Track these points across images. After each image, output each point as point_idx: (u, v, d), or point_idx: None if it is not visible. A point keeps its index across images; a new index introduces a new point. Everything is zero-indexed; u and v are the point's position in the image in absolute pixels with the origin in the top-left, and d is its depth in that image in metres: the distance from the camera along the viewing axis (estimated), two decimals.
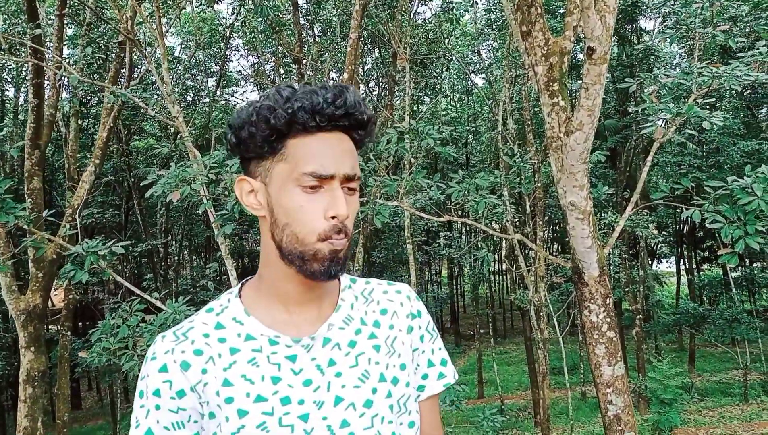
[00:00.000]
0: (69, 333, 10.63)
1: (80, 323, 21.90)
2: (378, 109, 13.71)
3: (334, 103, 0.90)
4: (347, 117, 0.92)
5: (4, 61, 14.34)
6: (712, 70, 4.07)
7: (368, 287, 1.08)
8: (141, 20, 7.69)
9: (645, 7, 16.64)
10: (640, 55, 15.76)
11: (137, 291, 4.69)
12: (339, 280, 1.06)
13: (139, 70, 13.37)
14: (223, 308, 1.00)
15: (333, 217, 0.91)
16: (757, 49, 4.47)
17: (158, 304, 4.84)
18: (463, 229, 24.79)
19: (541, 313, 11.08)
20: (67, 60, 10.03)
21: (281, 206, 0.92)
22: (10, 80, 16.55)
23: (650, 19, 17.42)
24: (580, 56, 14.95)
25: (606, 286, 3.97)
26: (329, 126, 0.92)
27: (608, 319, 3.98)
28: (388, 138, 4.40)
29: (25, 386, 6.78)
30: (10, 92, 17.28)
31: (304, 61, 12.28)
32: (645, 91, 5.24)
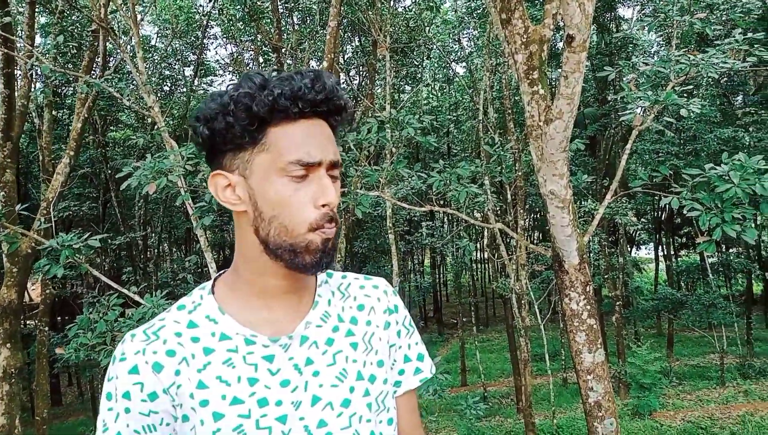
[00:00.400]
0: (47, 328, 10.46)
1: (59, 318, 21.57)
2: (358, 99, 13.63)
3: (314, 88, 0.87)
4: (327, 102, 0.89)
5: None
6: (689, 57, 4.09)
7: (345, 282, 1.06)
8: (115, 8, 7.52)
9: None
10: (619, 43, 15.85)
11: (114, 285, 4.61)
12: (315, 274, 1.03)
13: (114, 60, 13.11)
14: (195, 305, 0.95)
15: (323, 206, 0.88)
16: (733, 37, 4.50)
17: (137, 298, 4.77)
18: (446, 219, 24.88)
19: (523, 301, 11.17)
20: (39, 49, 9.80)
21: (266, 199, 0.88)
22: None
23: (629, 7, 17.53)
24: (560, 45, 15.00)
25: (586, 274, 3.99)
26: (310, 112, 0.88)
27: (588, 307, 4.01)
28: (368, 127, 4.36)
29: (1, 383, 6.66)
30: None
31: (283, 49, 12.15)
32: (624, 79, 5.26)
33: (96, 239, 4.33)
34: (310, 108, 0.87)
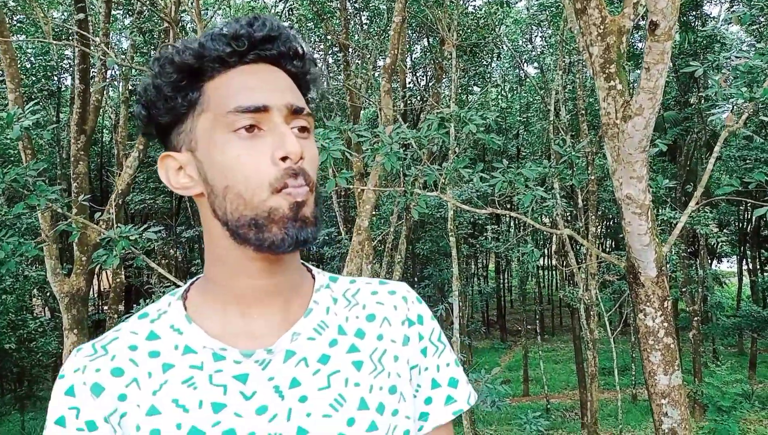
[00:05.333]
0: (116, 315, 10.84)
1: (134, 305, 22.54)
2: (425, 99, 13.42)
3: (251, 26, 0.72)
4: (271, 41, 0.73)
5: (61, 50, 14.76)
6: None
7: (353, 287, 0.84)
8: (184, 8, 7.66)
9: None
10: (704, 42, 14.86)
11: (169, 276, 4.62)
12: (313, 277, 0.83)
13: None
14: (160, 314, 0.77)
15: (284, 159, 0.69)
16: None
17: None
18: (512, 223, 24.23)
19: (592, 312, 10.61)
20: (114, 48, 10.17)
21: (214, 165, 0.71)
22: (68, 68, 17.05)
23: (715, 4, 16.45)
24: (639, 45, 14.21)
25: (664, 288, 3.61)
26: (252, 55, 0.73)
27: (665, 324, 3.63)
28: (428, 124, 4.15)
29: None
30: (67, 81, 17.83)
31: (350, 48, 12.11)
32: (713, 76, 4.80)
33: (153, 232, 4.33)
34: (248, 49, 0.72)
